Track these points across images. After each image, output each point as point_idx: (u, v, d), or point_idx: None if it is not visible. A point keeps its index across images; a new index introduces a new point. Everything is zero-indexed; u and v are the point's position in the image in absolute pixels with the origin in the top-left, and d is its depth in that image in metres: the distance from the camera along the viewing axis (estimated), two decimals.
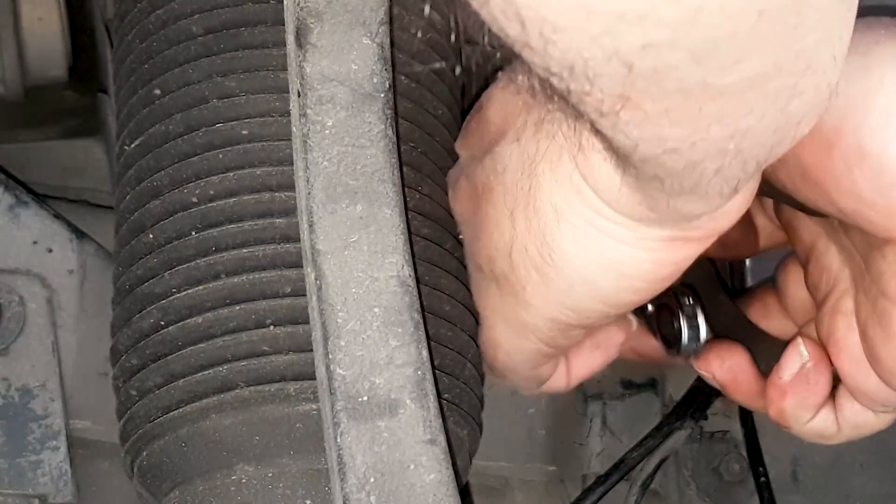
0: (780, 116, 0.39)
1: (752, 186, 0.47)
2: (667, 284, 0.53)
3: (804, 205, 0.52)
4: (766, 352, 0.62)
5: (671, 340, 0.66)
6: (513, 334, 0.59)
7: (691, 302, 0.65)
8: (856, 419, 0.59)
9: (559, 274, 0.52)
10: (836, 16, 0.37)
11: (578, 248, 0.50)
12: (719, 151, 0.40)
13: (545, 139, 0.49)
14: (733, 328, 0.64)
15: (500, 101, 0.57)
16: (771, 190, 0.53)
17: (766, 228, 0.64)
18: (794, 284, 0.62)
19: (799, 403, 0.59)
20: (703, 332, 0.64)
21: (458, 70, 0.70)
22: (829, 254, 0.58)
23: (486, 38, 0.36)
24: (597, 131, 0.41)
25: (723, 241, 0.64)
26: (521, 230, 0.52)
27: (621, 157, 0.44)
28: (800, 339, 0.59)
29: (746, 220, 0.64)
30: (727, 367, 0.63)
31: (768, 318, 0.65)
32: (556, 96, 0.39)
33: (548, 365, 0.62)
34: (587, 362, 0.64)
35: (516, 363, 0.62)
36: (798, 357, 0.59)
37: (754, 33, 0.33)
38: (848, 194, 0.48)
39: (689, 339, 0.65)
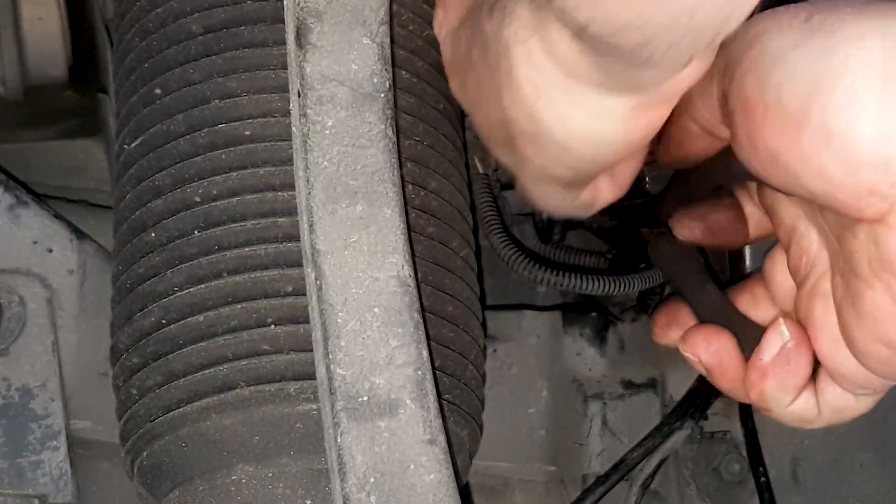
0: None
1: (707, 56, 0.48)
2: (642, 144, 0.55)
3: (779, 188, 0.53)
4: (753, 339, 0.62)
5: None
6: (534, 181, 0.61)
7: None
8: (836, 403, 0.59)
9: (546, 142, 0.54)
10: None
11: (557, 120, 0.52)
12: (671, 29, 0.41)
13: (514, 20, 0.51)
14: (722, 318, 0.65)
15: None
16: (751, 172, 0.53)
17: (755, 216, 0.65)
18: (779, 272, 0.63)
19: (780, 385, 0.59)
20: None
21: None
22: (808, 236, 0.58)
23: None
24: (550, 13, 0.43)
25: (712, 227, 0.64)
26: (507, 104, 0.54)
27: (575, 35, 0.45)
28: (780, 320, 0.59)
29: (734, 209, 0.64)
30: (713, 350, 0.63)
31: (756, 307, 0.65)
32: None
33: (586, 191, 0.63)
34: (609, 190, 0.66)
35: (553, 200, 0.63)
36: (779, 337, 0.59)
37: None
38: (817, 176, 0.48)
39: None
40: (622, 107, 0.50)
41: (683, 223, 0.65)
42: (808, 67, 0.47)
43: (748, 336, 0.62)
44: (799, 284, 0.59)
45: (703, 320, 0.66)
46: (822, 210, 0.55)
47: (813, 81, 0.47)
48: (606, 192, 0.63)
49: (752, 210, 0.65)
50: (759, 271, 0.66)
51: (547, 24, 0.47)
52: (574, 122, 0.52)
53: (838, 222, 0.53)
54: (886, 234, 0.48)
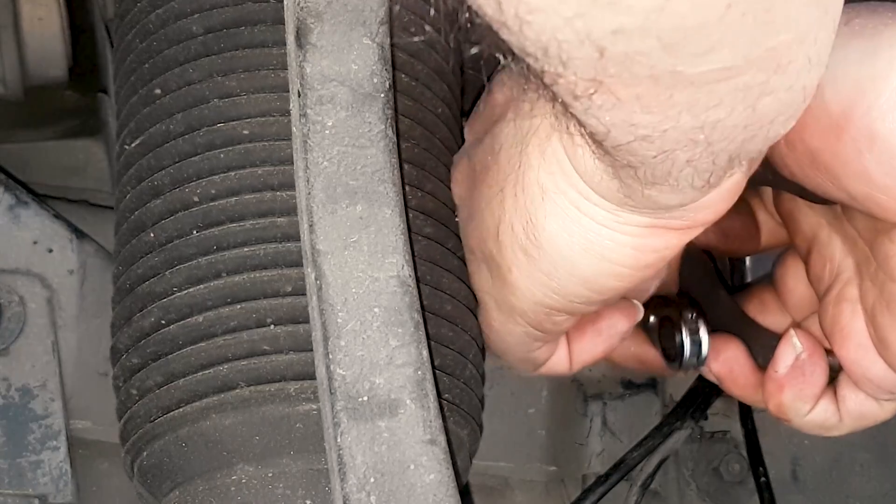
0: (751, 113, 0.39)
1: (733, 182, 0.48)
2: (650, 272, 0.53)
3: (813, 192, 0.52)
4: (765, 346, 0.62)
5: (672, 354, 0.66)
6: (503, 317, 0.60)
7: (694, 316, 0.65)
8: (859, 409, 0.60)
9: (543, 254, 0.52)
10: (809, 18, 0.37)
11: (561, 228, 0.51)
12: (690, 141, 0.41)
13: (539, 117, 0.50)
14: (731, 324, 0.65)
15: (506, 84, 0.57)
16: (777, 179, 0.53)
17: (768, 224, 0.64)
18: (792, 279, 0.63)
19: (797, 395, 0.59)
20: (705, 346, 0.64)
21: (453, 66, 0.70)
22: (831, 243, 0.58)
23: (465, 18, 0.37)
24: (571, 114, 0.42)
25: (725, 231, 0.64)
26: (508, 208, 0.53)
27: (596, 143, 0.44)
28: (792, 331, 0.59)
29: (749, 215, 0.64)
30: (723, 360, 0.63)
31: (766, 314, 0.65)
32: (535, 78, 0.39)
33: (542, 349, 0.62)
34: (589, 348, 0.64)
35: (508, 345, 0.62)
36: (792, 349, 0.59)
37: (723, 25, 0.34)
38: (858, 178, 0.48)
39: (691, 354, 0.65)
40: (638, 223, 0.49)
41: None
42: (851, 70, 0.47)
43: (760, 342, 0.62)
44: (823, 292, 0.59)
45: (713, 326, 0.65)
46: (851, 216, 0.55)
47: (857, 84, 0.46)
48: (560, 362, 0.62)
49: (765, 218, 0.64)
50: (767, 278, 0.66)
51: (573, 130, 0.46)
52: (579, 232, 0.50)
53: (871, 227, 0.53)
54: None
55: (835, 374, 0.59)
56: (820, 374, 0.59)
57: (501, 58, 0.39)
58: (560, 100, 0.40)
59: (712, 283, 0.67)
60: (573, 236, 0.51)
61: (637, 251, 0.51)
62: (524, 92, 0.52)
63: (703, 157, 0.42)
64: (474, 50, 0.39)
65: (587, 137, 0.45)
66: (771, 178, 0.54)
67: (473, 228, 0.57)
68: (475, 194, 0.57)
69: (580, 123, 0.43)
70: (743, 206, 0.65)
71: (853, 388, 0.59)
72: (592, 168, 0.47)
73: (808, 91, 0.40)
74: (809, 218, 0.59)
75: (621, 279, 0.52)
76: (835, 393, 0.60)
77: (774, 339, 0.62)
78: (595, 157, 0.46)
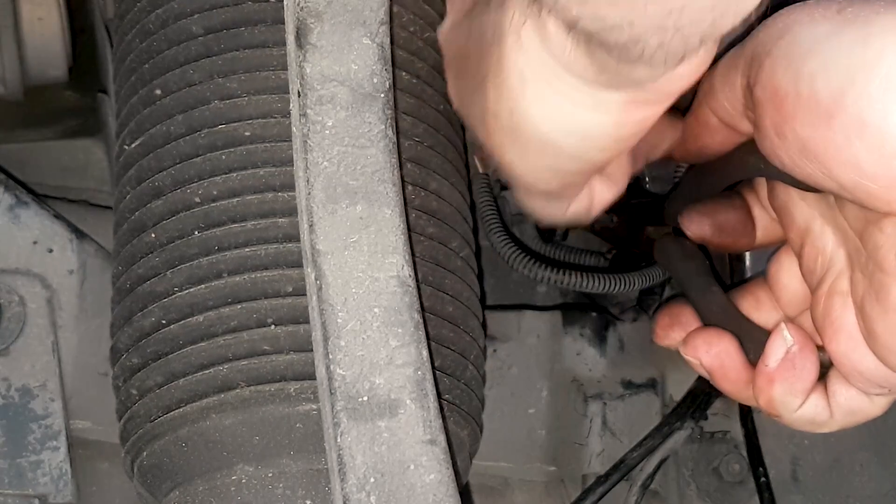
0: None
1: (704, 55, 0.48)
2: (632, 142, 0.54)
3: (804, 182, 0.52)
4: (757, 343, 0.62)
5: None
6: (524, 193, 0.60)
7: None
8: (850, 404, 0.59)
9: (529, 139, 0.53)
10: None
11: (544, 113, 0.51)
12: (659, 28, 0.41)
13: (512, 6, 0.50)
14: (724, 320, 0.65)
15: None
16: (768, 168, 0.53)
17: (763, 220, 0.64)
18: (786, 275, 0.63)
19: (787, 390, 0.59)
20: None
21: None
22: (823, 236, 0.58)
23: None
24: (542, 3, 0.43)
25: (720, 226, 0.64)
26: (492, 98, 0.53)
27: (569, 28, 0.45)
28: (783, 325, 0.59)
29: (743, 210, 0.64)
30: (714, 353, 0.63)
31: (760, 311, 0.65)
32: None
33: (568, 195, 0.62)
34: (605, 191, 0.65)
35: (542, 209, 0.62)
36: (782, 342, 0.59)
37: None
38: (848, 166, 0.48)
39: None
40: (614, 101, 0.50)
41: (693, 220, 0.64)
42: (843, 58, 0.47)
43: (752, 339, 0.62)
44: (815, 285, 0.59)
45: (706, 322, 0.65)
46: (842, 207, 0.55)
47: (847, 72, 0.46)
48: (602, 193, 0.62)
49: (760, 213, 0.64)
50: (761, 275, 0.65)
51: (543, 16, 0.47)
52: (561, 116, 0.51)
53: (862, 217, 0.53)
54: None
55: (826, 369, 0.59)
56: (810, 369, 0.59)
57: None
58: None
59: (706, 280, 0.67)
60: (555, 119, 0.51)
61: (618, 126, 0.51)
62: None
63: (674, 41, 0.42)
64: None
65: (560, 23, 0.46)
66: (762, 167, 0.54)
67: (471, 120, 0.58)
68: (462, 82, 0.58)
69: (550, 12, 0.44)
70: (737, 201, 0.65)
71: (844, 382, 0.59)
72: (566, 50, 0.48)
73: None
74: (803, 210, 0.59)
75: (606, 151, 0.54)
76: (825, 388, 0.60)
77: (767, 335, 0.62)
78: (568, 40, 0.47)
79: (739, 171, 0.61)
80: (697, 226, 0.64)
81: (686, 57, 0.45)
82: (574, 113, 0.51)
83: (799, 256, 0.60)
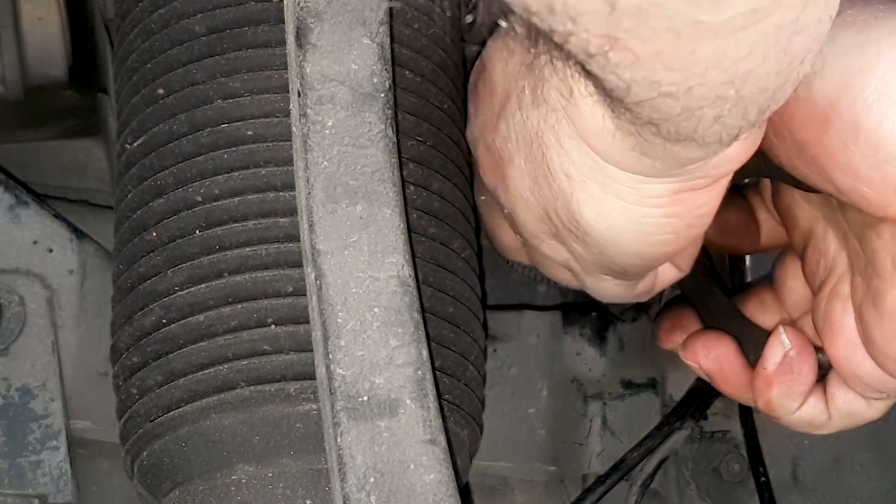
0: (783, 57, 0.37)
1: (756, 133, 0.46)
2: (696, 232, 0.52)
3: (804, 182, 0.52)
4: (758, 345, 0.62)
5: None
6: (589, 277, 0.58)
7: None
8: (848, 407, 0.59)
9: (589, 238, 0.52)
10: None
11: (596, 212, 0.50)
12: (718, 98, 0.38)
13: (543, 104, 0.49)
14: (725, 322, 0.65)
15: (499, 61, 0.56)
16: (770, 168, 0.53)
17: (767, 222, 0.64)
18: (791, 278, 0.63)
19: (785, 392, 0.59)
20: None
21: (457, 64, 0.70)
22: (826, 238, 0.57)
23: None
24: (588, 73, 0.39)
25: (723, 227, 0.64)
26: (547, 196, 0.52)
27: (614, 100, 0.42)
28: (781, 328, 0.59)
29: (747, 212, 0.64)
30: (713, 357, 0.63)
31: (764, 314, 0.65)
32: (543, 40, 0.37)
33: (635, 279, 0.61)
34: (670, 272, 0.63)
35: (605, 291, 0.60)
36: (780, 346, 0.59)
37: None
38: (844, 170, 0.47)
39: None
40: (663, 192, 0.48)
41: None
42: (839, 62, 0.46)
43: (753, 340, 0.62)
44: (817, 288, 0.58)
45: (708, 324, 0.65)
46: (844, 210, 0.55)
47: (844, 76, 0.46)
48: (667, 273, 0.61)
49: (764, 216, 0.64)
50: (767, 278, 0.65)
51: (577, 102, 0.45)
52: (614, 215, 0.49)
53: (861, 221, 0.53)
54: None
55: (825, 371, 0.59)
56: (808, 372, 0.59)
57: (501, 22, 0.37)
58: (574, 59, 0.38)
59: (708, 282, 0.66)
60: (609, 219, 0.50)
61: (672, 218, 0.49)
62: (524, 75, 0.51)
63: (732, 113, 0.39)
64: (470, 18, 0.37)
65: (602, 95, 0.43)
66: (764, 167, 0.53)
67: (526, 217, 0.56)
68: (508, 183, 0.56)
69: (598, 80, 0.40)
70: (741, 202, 0.64)
71: (843, 386, 0.59)
72: (607, 134, 0.45)
73: (833, 18, 0.38)
74: (806, 212, 0.59)
75: (669, 245, 0.51)
76: (824, 391, 0.60)
77: (768, 337, 0.62)
78: (610, 116, 0.44)
79: (742, 171, 0.61)
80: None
81: (741, 134, 0.43)
82: (625, 209, 0.49)
83: (802, 259, 0.60)
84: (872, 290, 0.52)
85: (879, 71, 0.45)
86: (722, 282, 0.67)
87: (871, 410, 0.59)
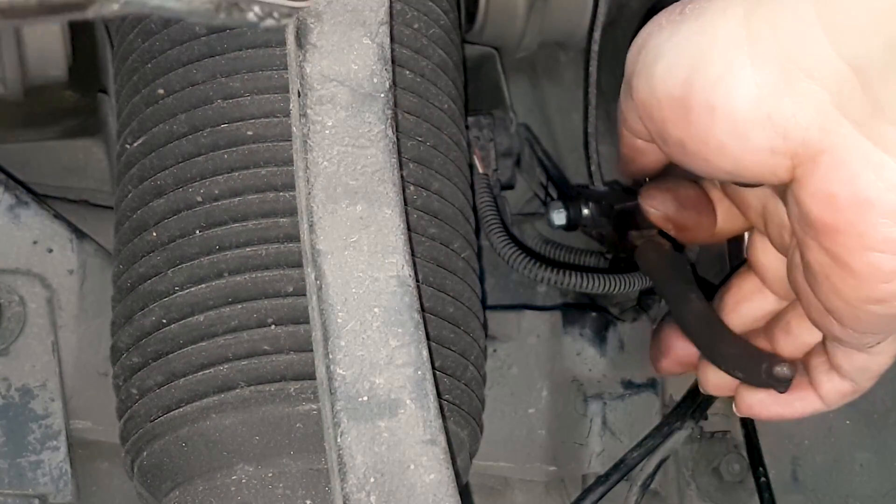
0: None
1: None
2: None
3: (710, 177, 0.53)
4: (734, 354, 0.62)
5: None
6: None
7: None
8: (840, 389, 0.60)
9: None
10: None
11: None
12: None
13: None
14: (701, 328, 0.64)
15: None
16: (684, 171, 0.53)
17: (722, 205, 0.64)
18: (762, 255, 0.62)
19: (763, 416, 0.64)
20: None
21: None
22: (779, 209, 0.58)
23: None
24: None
25: (682, 200, 0.64)
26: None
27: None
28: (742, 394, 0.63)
29: (703, 192, 0.64)
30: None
31: (751, 300, 0.64)
32: None
33: None
34: None
35: None
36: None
37: None
38: (720, 154, 0.48)
39: None
40: None
41: (654, 195, 0.64)
42: (683, 52, 0.47)
43: (729, 350, 0.62)
44: (790, 258, 0.58)
45: (684, 329, 0.65)
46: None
47: (690, 64, 0.47)
48: None
49: (718, 198, 0.64)
50: (743, 265, 0.65)
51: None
52: None
53: (781, 194, 0.53)
54: (800, 190, 0.48)
55: (789, 380, 0.60)
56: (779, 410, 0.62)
57: None
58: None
59: (686, 287, 0.66)
60: None
61: None
62: None
63: None
64: None
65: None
66: (679, 170, 0.54)
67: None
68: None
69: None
70: (696, 187, 0.64)
71: (827, 372, 0.60)
72: None
73: None
74: (755, 191, 0.59)
75: None
76: (811, 383, 0.61)
77: (743, 346, 0.62)
78: None
79: (675, 174, 0.61)
80: (660, 202, 0.63)
81: None
82: None
83: (768, 236, 0.60)
84: (803, 256, 0.52)
85: (717, 48, 0.46)
86: (703, 285, 0.67)
87: (880, 358, 0.59)
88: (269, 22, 0.40)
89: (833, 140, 0.45)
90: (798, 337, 0.63)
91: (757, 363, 0.60)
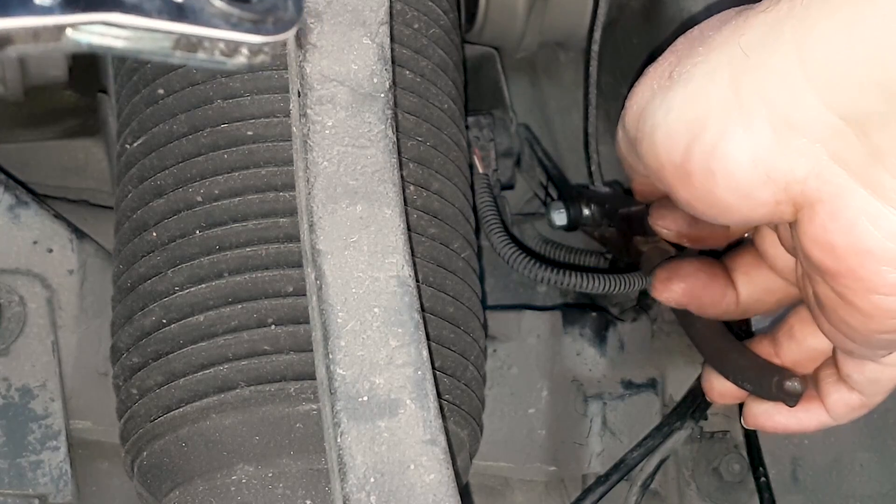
0: None
1: None
2: None
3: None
4: (744, 365, 0.62)
5: None
6: None
7: None
8: (848, 403, 0.60)
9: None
10: None
11: None
12: None
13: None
14: (709, 338, 0.64)
15: None
16: None
17: None
18: (771, 246, 0.62)
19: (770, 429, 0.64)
20: None
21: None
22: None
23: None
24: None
25: (692, 238, 0.64)
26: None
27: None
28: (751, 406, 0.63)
29: None
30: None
31: (758, 271, 0.64)
32: None
33: None
34: None
35: None
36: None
37: None
38: (727, 213, 0.49)
39: None
40: None
41: (664, 215, 0.64)
42: (678, 121, 0.48)
43: (738, 361, 0.62)
44: (798, 269, 0.58)
45: (692, 337, 0.65)
46: None
47: (686, 131, 0.48)
48: None
49: None
50: (750, 243, 0.65)
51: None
52: None
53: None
54: (802, 234, 0.48)
55: (800, 394, 0.60)
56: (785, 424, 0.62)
57: None
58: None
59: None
60: None
61: None
62: None
63: None
64: None
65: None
66: None
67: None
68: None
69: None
70: None
71: (836, 384, 0.60)
72: None
73: None
74: None
75: None
76: (819, 398, 0.61)
77: (752, 358, 0.62)
78: None
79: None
80: (671, 220, 0.64)
81: None
82: None
83: (779, 237, 0.60)
84: (811, 287, 0.53)
85: (710, 116, 0.47)
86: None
87: (891, 370, 0.59)
88: (239, 60, 0.36)
89: (829, 190, 0.46)
90: (802, 342, 0.63)
91: (767, 376, 0.60)
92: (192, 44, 0.36)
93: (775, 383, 0.59)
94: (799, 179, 0.46)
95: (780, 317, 0.65)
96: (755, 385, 0.61)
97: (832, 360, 0.61)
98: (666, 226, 0.64)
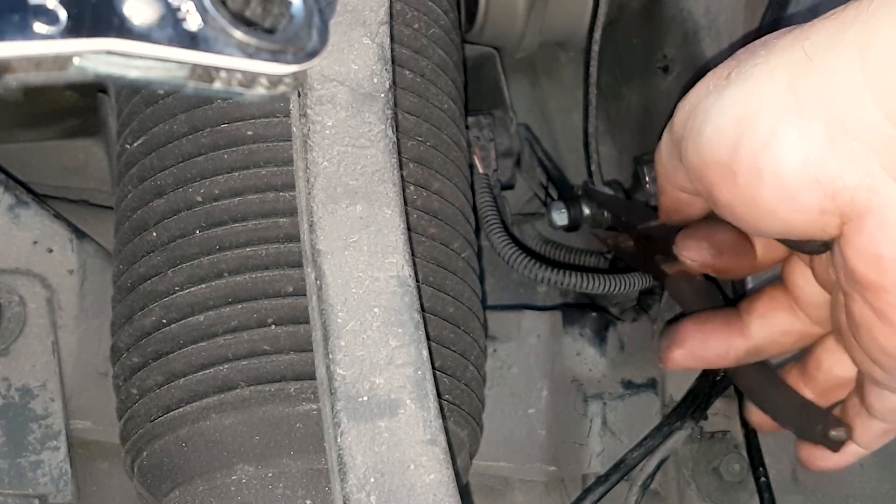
0: None
1: None
2: None
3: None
4: (787, 411, 0.62)
5: None
6: None
7: None
8: (878, 438, 0.61)
9: None
10: None
11: None
12: None
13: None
14: (752, 373, 0.65)
15: None
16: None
17: (761, 239, 0.64)
18: (801, 278, 0.62)
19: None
20: None
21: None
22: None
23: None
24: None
25: (719, 246, 0.63)
26: None
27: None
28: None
29: (740, 242, 0.63)
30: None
31: (782, 312, 0.64)
32: None
33: None
34: None
35: None
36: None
37: None
38: (770, 217, 0.49)
39: None
40: None
41: (690, 245, 0.63)
42: (730, 118, 0.48)
43: (783, 403, 0.63)
44: (831, 290, 0.59)
45: (731, 372, 0.66)
46: None
47: (736, 129, 0.48)
48: None
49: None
50: (778, 280, 0.65)
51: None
52: None
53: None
54: (846, 246, 0.48)
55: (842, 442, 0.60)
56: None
57: None
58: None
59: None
60: None
61: None
62: None
63: None
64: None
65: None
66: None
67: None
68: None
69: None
70: (731, 230, 0.64)
71: (875, 391, 0.59)
72: None
73: None
74: None
75: None
76: (865, 408, 0.61)
77: (796, 399, 0.63)
78: None
79: (711, 216, 0.61)
80: (696, 251, 0.63)
81: None
82: None
83: (812, 268, 0.60)
84: (847, 305, 0.53)
85: (763, 113, 0.47)
86: (728, 300, 0.67)
87: None
88: (258, 91, 0.34)
89: (879, 201, 0.46)
90: (829, 371, 0.63)
91: (812, 422, 0.61)
92: (207, 74, 0.34)
93: (820, 431, 0.60)
94: (849, 187, 0.46)
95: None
96: (799, 429, 0.62)
97: (856, 391, 0.61)
98: (691, 256, 0.63)
